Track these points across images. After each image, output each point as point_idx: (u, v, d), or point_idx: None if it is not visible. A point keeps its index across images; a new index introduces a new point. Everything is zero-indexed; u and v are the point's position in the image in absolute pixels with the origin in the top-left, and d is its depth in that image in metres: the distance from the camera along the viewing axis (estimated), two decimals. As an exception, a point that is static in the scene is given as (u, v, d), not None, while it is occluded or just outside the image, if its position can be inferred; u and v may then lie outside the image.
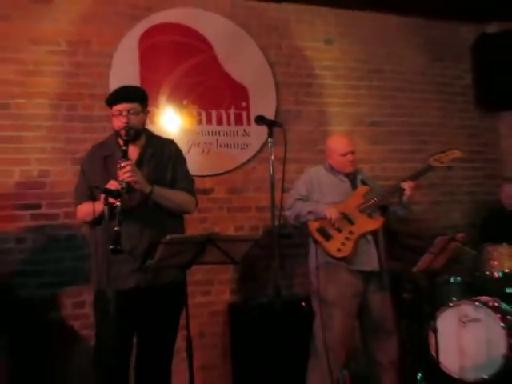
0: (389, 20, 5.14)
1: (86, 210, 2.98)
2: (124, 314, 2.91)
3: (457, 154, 3.86)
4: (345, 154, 3.82)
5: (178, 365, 3.31)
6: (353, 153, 3.84)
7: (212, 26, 4.48)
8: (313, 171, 3.93)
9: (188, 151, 4.17)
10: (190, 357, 2.91)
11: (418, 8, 5.07)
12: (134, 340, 3.14)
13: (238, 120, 4.52)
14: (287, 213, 3.78)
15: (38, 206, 3.91)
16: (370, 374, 3.93)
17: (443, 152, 3.87)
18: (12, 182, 3.87)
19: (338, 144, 3.89)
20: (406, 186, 3.72)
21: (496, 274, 4.11)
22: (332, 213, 3.64)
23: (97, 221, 2.92)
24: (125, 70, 4.18)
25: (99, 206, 2.81)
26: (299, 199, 3.77)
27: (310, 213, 3.70)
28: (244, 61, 4.57)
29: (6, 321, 3.52)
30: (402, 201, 3.79)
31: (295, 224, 3.86)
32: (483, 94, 5.38)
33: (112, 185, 2.81)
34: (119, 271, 2.90)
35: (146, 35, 4.30)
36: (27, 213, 3.88)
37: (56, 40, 4.05)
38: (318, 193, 3.79)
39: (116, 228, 2.71)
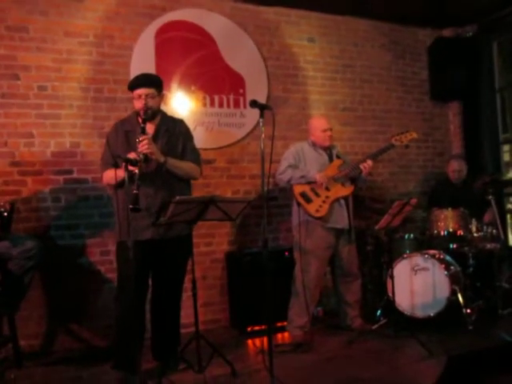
0: (360, 23, 4.99)
1: (110, 175, 2.92)
2: (141, 259, 2.88)
3: (414, 135, 3.81)
4: (325, 130, 3.79)
5: (185, 301, 3.33)
6: (331, 129, 3.81)
7: (216, 24, 4.32)
8: (298, 145, 3.86)
9: (195, 129, 4.05)
10: (194, 295, 2.91)
11: (385, 14, 4.93)
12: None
13: (236, 104, 4.39)
14: (279, 176, 3.72)
15: (71, 172, 3.81)
16: (339, 309, 3.95)
17: (402, 133, 3.81)
18: (48, 151, 3.76)
19: (319, 122, 3.86)
20: (365, 165, 3.66)
21: (442, 233, 4.07)
22: (322, 177, 3.62)
23: (119, 184, 2.85)
24: (143, 60, 4.04)
25: (120, 173, 2.75)
26: (290, 166, 3.70)
27: (302, 177, 3.65)
28: (242, 55, 4.42)
29: (46, 264, 3.45)
30: (360, 175, 3.74)
31: (285, 186, 3.82)
32: (436, 87, 5.26)
33: (132, 155, 2.77)
34: (138, 225, 2.87)
35: (161, 31, 4.14)
36: (61, 177, 3.78)
37: (85, 33, 3.89)
38: (303, 163, 3.75)
39: (135, 191, 2.66)
